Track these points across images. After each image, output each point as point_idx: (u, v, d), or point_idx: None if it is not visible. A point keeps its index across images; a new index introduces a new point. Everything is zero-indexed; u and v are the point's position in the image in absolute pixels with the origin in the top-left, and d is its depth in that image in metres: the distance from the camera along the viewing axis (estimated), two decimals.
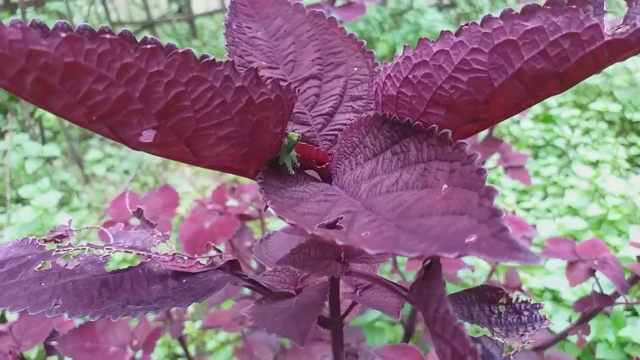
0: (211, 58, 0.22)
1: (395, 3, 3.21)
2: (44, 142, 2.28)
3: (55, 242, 0.38)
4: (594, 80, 2.23)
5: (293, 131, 0.32)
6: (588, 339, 1.11)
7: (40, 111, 2.13)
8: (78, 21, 2.82)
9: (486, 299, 0.27)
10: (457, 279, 1.07)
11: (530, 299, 0.26)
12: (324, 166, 0.30)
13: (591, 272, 0.85)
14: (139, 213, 0.42)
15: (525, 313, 0.26)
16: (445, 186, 0.24)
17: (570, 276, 0.85)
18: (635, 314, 1.37)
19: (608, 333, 1.21)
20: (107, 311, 0.31)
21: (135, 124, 0.22)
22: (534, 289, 1.43)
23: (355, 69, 0.35)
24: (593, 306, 0.86)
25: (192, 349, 1.46)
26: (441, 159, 0.25)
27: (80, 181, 2.15)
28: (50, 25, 0.19)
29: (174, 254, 0.38)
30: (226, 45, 0.32)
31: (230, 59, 0.31)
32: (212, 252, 0.40)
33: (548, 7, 0.23)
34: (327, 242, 0.37)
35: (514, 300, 0.26)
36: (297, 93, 0.27)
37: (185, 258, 0.38)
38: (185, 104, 0.22)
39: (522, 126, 2.09)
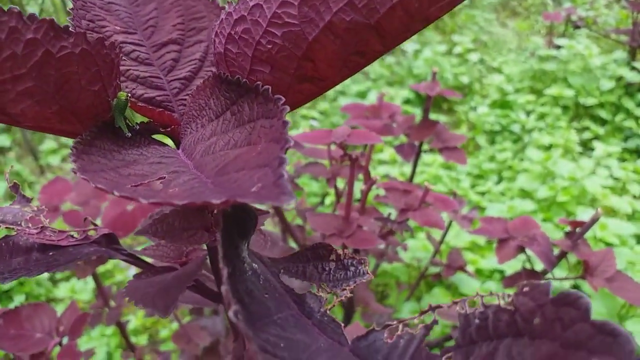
0: None
1: None
2: None
3: None
4: (549, 66, 2.27)
5: (142, 95, 0.32)
6: None
7: None
8: (33, 9, 2.73)
9: (319, 256, 0.27)
10: (399, 259, 1.08)
11: (363, 259, 0.26)
12: (169, 129, 0.30)
13: (521, 249, 0.87)
14: (15, 188, 0.41)
15: (352, 268, 0.26)
16: (264, 142, 0.24)
17: (500, 253, 0.86)
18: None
19: None
20: None
21: None
22: (484, 269, 1.45)
23: None
24: (522, 282, 0.88)
25: (144, 339, 1.45)
26: (266, 116, 0.25)
27: (34, 172, 2.10)
28: None
29: (42, 227, 0.37)
30: (72, 9, 0.31)
31: (74, 24, 0.30)
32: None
33: None
34: (194, 211, 0.36)
35: (342, 257, 0.26)
36: (120, 50, 0.26)
37: (57, 231, 0.37)
38: None
39: (479, 112, 2.12)
